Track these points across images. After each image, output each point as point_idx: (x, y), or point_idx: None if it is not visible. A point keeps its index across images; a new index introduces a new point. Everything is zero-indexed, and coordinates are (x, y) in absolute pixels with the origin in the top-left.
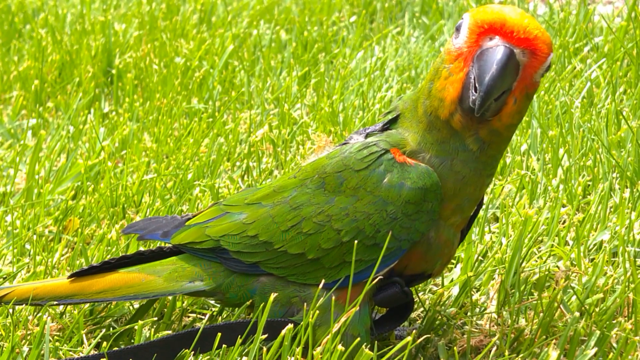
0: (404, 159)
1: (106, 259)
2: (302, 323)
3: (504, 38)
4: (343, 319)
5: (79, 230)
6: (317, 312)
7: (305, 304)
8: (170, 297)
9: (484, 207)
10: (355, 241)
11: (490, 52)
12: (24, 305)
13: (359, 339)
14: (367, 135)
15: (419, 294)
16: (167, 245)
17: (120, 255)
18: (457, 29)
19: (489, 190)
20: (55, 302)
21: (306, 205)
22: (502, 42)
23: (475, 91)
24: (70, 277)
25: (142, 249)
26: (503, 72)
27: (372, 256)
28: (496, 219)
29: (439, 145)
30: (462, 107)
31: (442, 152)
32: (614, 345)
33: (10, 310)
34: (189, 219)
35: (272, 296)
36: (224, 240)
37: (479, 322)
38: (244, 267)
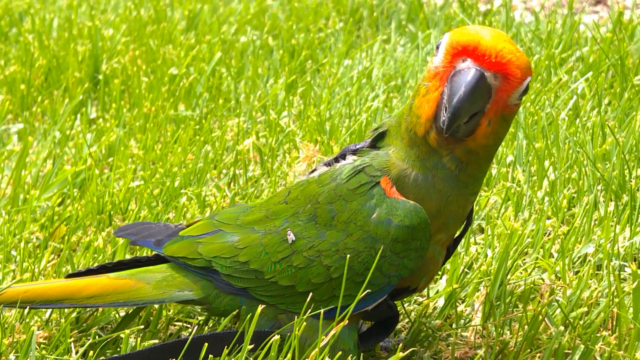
0: (394, 192)
1: (104, 263)
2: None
3: (476, 61)
4: (332, 333)
5: (66, 237)
6: (304, 324)
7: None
8: (157, 305)
9: None
10: (344, 276)
11: (461, 74)
12: (13, 309)
13: (348, 354)
14: (355, 152)
15: (405, 305)
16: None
17: (117, 260)
18: (437, 48)
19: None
20: (43, 307)
21: (297, 238)
22: (474, 64)
23: (446, 111)
24: (67, 277)
25: (127, 256)
26: (471, 94)
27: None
28: (482, 230)
29: (420, 161)
30: (437, 126)
31: (423, 168)
32: (598, 359)
33: None
34: (182, 229)
35: (260, 308)
36: (215, 262)
37: (464, 334)
38: (233, 289)
